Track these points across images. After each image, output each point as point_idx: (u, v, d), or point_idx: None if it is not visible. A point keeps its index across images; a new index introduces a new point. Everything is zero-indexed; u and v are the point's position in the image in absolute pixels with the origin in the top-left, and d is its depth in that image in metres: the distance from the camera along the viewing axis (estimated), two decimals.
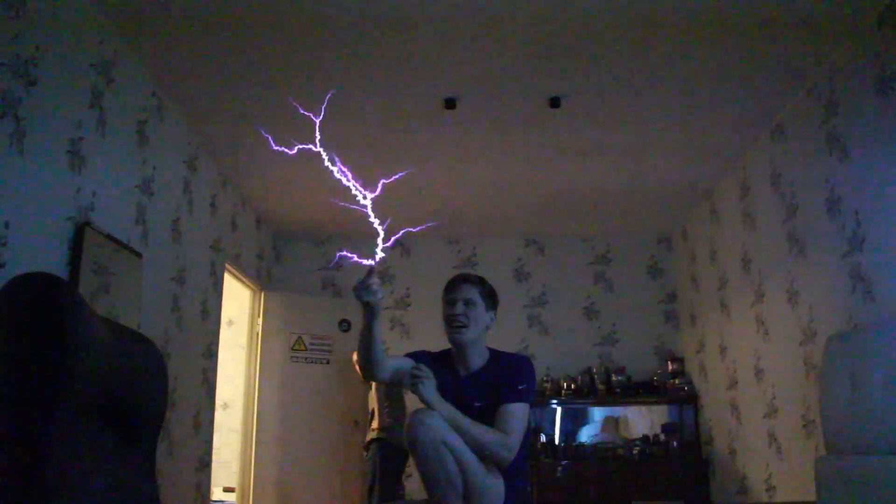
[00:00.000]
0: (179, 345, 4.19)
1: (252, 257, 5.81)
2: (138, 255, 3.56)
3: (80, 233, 2.97)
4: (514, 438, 2.30)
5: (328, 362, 5.96)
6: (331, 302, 6.24)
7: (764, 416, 4.54)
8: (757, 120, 4.27)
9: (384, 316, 6.16)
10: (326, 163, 2.18)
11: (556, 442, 5.96)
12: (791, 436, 4.17)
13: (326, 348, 5.99)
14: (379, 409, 4.79)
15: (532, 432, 5.51)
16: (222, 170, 4.96)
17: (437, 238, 6.55)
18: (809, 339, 3.92)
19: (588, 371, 6.15)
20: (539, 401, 5.87)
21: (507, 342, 5.88)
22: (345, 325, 6.05)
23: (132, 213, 3.58)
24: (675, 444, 5.77)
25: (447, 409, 2.27)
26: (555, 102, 3.98)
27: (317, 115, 2.28)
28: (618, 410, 6.24)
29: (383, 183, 2.27)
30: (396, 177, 2.31)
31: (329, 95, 2.45)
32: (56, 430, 1.79)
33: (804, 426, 3.97)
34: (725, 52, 3.54)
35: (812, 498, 3.25)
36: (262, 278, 6.02)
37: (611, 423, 6.21)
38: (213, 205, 4.81)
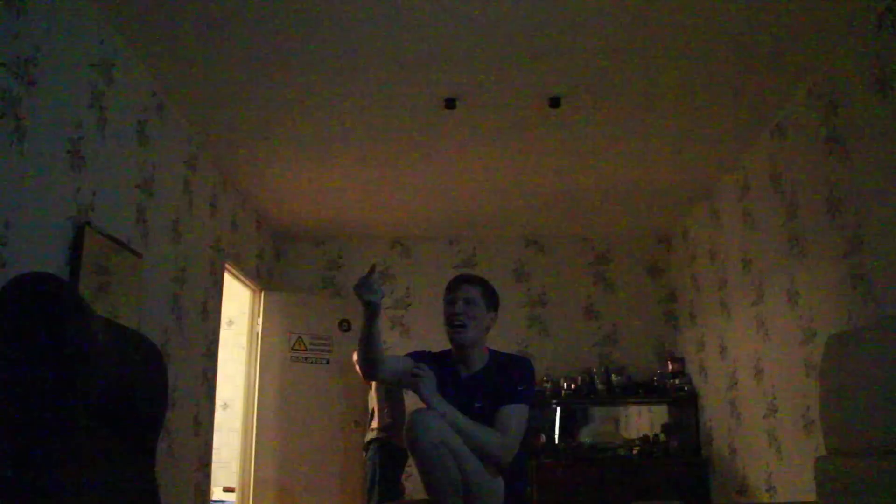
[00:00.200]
0: (179, 345, 4.19)
1: (252, 257, 5.81)
2: (138, 255, 3.56)
3: (80, 233, 2.98)
4: (513, 439, 2.30)
5: (328, 362, 5.96)
6: (331, 302, 6.24)
7: (764, 416, 4.54)
8: (757, 120, 4.27)
9: (384, 316, 6.17)
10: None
11: (556, 442, 5.96)
12: (791, 436, 4.17)
13: (326, 348, 5.99)
14: (379, 409, 4.79)
15: (532, 432, 5.51)
16: (222, 170, 4.96)
17: (437, 238, 6.55)
18: (809, 339, 3.92)
19: (588, 371, 6.14)
20: (539, 401, 5.86)
21: (507, 342, 5.88)
22: (345, 325, 6.05)
23: (132, 213, 3.58)
24: (675, 444, 5.77)
25: (447, 409, 2.27)
26: (555, 102, 3.98)
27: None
28: (618, 410, 6.24)
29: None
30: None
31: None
32: (56, 430, 1.79)
33: (804, 426, 3.97)
34: (725, 52, 3.54)
35: (812, 498, 3.25)
36: (262, 278, 6.02)
37: (611, 423, 6.21)
38: (213, 205, 4.81)
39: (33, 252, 2.69)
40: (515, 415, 2.33)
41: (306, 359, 5.93)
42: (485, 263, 6.44)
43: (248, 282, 5.73)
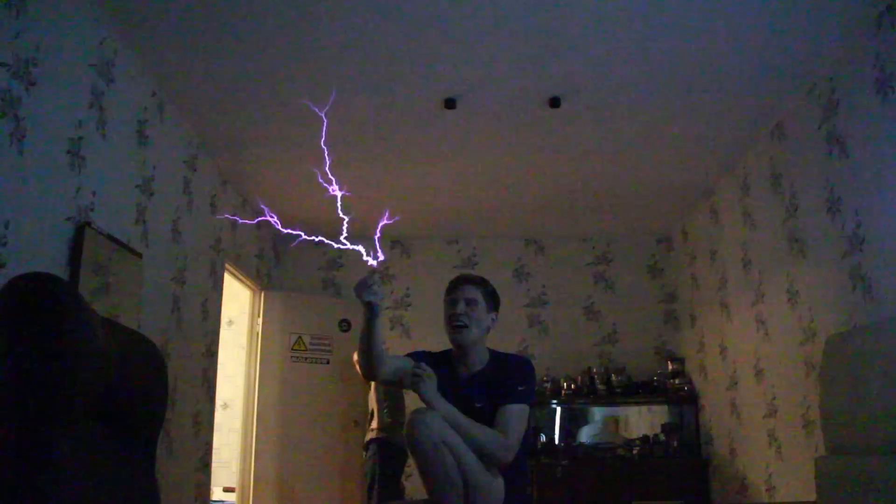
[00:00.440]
0: (179, 345, 4.19)
1: (252, 257, 5.81)
2: (138, 255, 3.56)
3: (80, 233, 2.97)
4: (514, 439, 2.30)
5: (328, 362, 5.96)
6: (331, 302, 6.24)
7: (764, 416, 4.54)
8: (757, 120, 4.27)
9: (384, 316, 6.16)
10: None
11: (556, 442, 5.96)
12: (791, 436, 4.17)
13: (326, 348, 5.99)
14: (379, 409, 4.79)
15: (532, 432, 5.52)
16: (222, 170, 4.96)
17: (437, 238, 6.55)
18: (809, 339, 3.92)
19: (588, 371, 6.15)
20: (539, 401, 5.87)
21: (507, 342, 5.88)
22: (345, 325, 6.05)
23: (132, 213, 3.58)
24: (675, 444, 5.77)
25: (447, 408, 2.27)
26: (555, 102, 3.98)
27: (321, 117, 2.28)
28: (618, 410, 6.23)
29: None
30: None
31: (332, 98, 2.42)
32: (56, 431, 1.78)
33: (804, 426, 3.97)
34: (725, 52, 3.54)
35: (812, 498, 3.25)
36: (262, 278, 6.02)
37: (611, 423, 6.21)
38: (212, 205, 4.81)
39: (33, 252, 2.69)
40: (516, 414, 2.33)
41: (306, 359, 5.93)
42: (485, 263, 6.44)
43: (248, 282, 5.73)
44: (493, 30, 3.36)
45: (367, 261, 2.26)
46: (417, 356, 2.49)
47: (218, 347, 4.97)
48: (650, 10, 3.21)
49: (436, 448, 2.18)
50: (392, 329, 6.33)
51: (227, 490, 6.26)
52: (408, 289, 6.47)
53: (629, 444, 5.88)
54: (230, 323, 6.46)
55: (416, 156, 4.80)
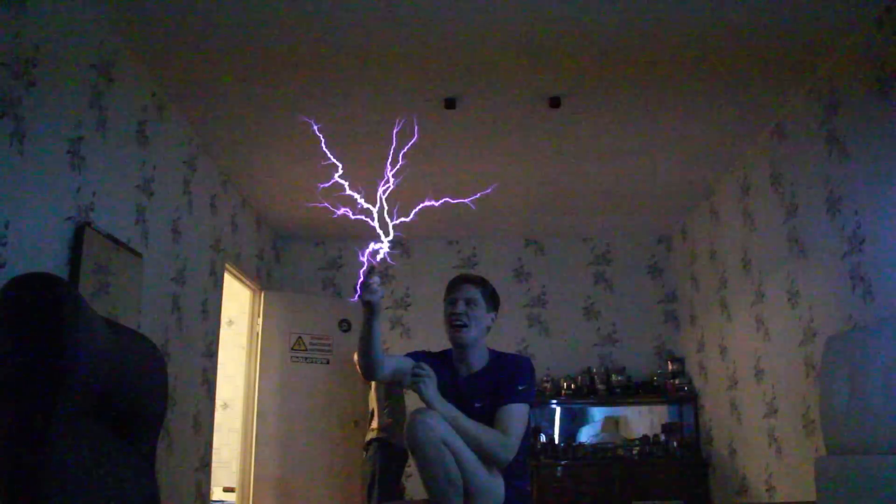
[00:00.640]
0: (179, 345, 4.19)
1: (252, 257, 5.81)
2: (138, 255, 3.56)
3: (80, 233, 2.97)
4: (514, 439, 2.30)
5: (328, 362, 5.96)
6: (331, 302, 6.24)
7: (764, 416, 4.54)
8: (757, 120, 4.27)
9: (384, 316, 6.16)
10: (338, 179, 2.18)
11: (556, 442, 5.96)
12: (791, 436, 4.17)
13: (326, 348, 5.98)
14: (379, 409, 4.79)
15: (532, 432, 5.52)
16: (222, 170, 4.96)
17: (437, 238, 6.55)
18: (809, 339, 3.92)
19: (588, 371, 6.15)
20: (539, 401, 5.87)
21: (507, 342, 5.89)
22: (345, 325, 6.05)
23: (132, 213, 3.58)
24: (675, 444, 5.77)
25: (447, 408, 2.27)
26: (555, 102, 3.98)
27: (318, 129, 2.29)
28: (618, 410, 6.24)
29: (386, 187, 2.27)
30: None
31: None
32: (56, 431, 1.79)
33: (804, 426, 3.97)
34: (725, 52, 3.54)
35: (812, 498, 3.25)
36: (262, 278, 6.02)
37: (611, 423, 6.21)
38: (213, 205, 4.81)
39: (33, 252, 2.69)
40: (516, 414, 2.33)
41: (306, 359, 5.93)
42: (485, 263, 6.44)
43: (248, 282, 5.73)
44: (493, 30, 3.36)
45: (377, 248, 2.27)
46: (417, 356, 2.49)
47: (218, 347, 4.97)
48: (650, 10, 3.21)
49: (436, 448, 2.17)
50: (392, 329, 6.33)
51: (227, 490, 6.26)
52: (408, 289, 6.47)
53: (629, 444, 5.88)
54: (230, 323, 6.46)
55: (416, 156, 4.79)
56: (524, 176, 5.18)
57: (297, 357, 5.91)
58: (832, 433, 3.09)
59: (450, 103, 4.00)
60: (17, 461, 1.73)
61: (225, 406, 6.41)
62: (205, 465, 4.65)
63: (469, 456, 2.22)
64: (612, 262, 6.57)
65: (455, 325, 2.43)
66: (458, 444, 2.20)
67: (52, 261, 2.81)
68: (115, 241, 3.31)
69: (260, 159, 4.85)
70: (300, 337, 5.94)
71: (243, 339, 6.04)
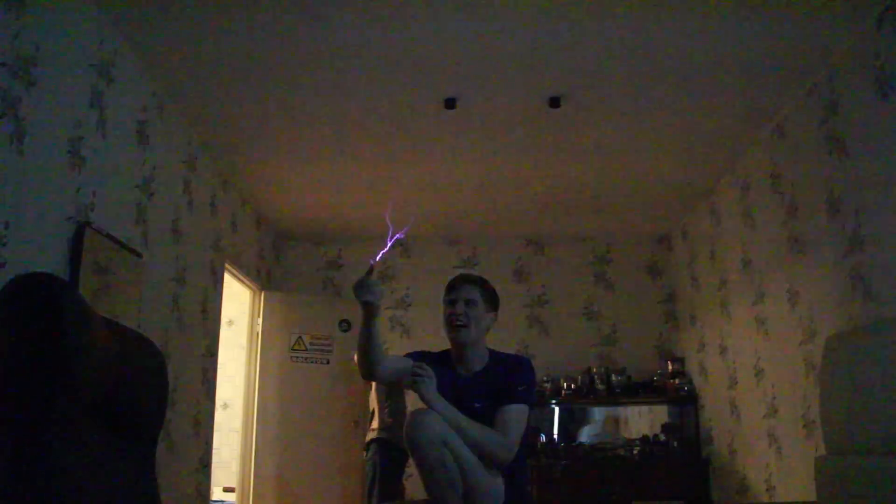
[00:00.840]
0: (179, 345, 4.19)
1: (252, 257, 5.81)
2: (138, 255, 3.56)
3: (80, 233, 2.97)
4: (513, 439, 2.30)
5: (328, 362, 5.96)
6: (331, 302, 6.24)
7: (764, 416, 4.54)
8: (757, 120, 4.27)
9: (384, 316, 6.17)
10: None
11: (556, 442, 5.96)
12: (791, 436, 4.17)
13: (326, 348, 5.98)
14: (379, 409, 4.79)
15: (532, 432, 5.51)
16: (222, 170, 4.96)
17: (437, 238, 6.55)
18: (809, 339, 3.92)
19: (588, 371, 6.14)
20: (539, 401, 5.86)
21: (507, 342, 5.87)
22: (345, 325, 6.05)
23: (132, 213, 3.58)
24: (675, 444, 5.77)
25: (447, 408, 2.27)
26: (555, 102, 3.98)
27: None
28: (618, 410, 6.24)
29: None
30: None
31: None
32: (56, 431, 1.78)
33: (804, 426, 3.97)
34: (725, 52, 3.54)
35: (812, 498, 3.25)
36: (262, 278, 6.02)
37: (611, 423, 6.22)
38: (213, 205, 4.81)
39: (33, 252, 2.69)
40: (515, 415, 2.33)
41: (306, 359, 5.93)
42: (485, 263, 6.44)
43: (248, 282, 5.73)
44: (493, 30, 3.36)
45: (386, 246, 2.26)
46: (417, 356, 2.49)
47: (218, 347, 4.97)
48: (650, 9, 3.21)
49: (436, 448, 2.18)
50: (392, 329, 6.33)
51: (227, 490, 6.26)
52: (408, 289, 6.47)
53: (629, 444, 5.88)
54: (230, 323, 6.46)
55: (416, 156, 4.80)
56: (524, 176, 5.18)
57: (297, 357, 5.91)
58: (832, 433, 3.09)
59: (450, 103, 4.00)
60: (17, 462, 1.73)
61: (225, 406, 6.40)
62: (205, 465, 4.65)
63: (469, 456, 2.22)
64: (612, 262, 6.57)
65: (454, 325, 2.43)
66: (458, 444, 2.21)
67: (52, 261, 2.81)
68: (115, 241, 3.31)
69: (260, 159, 4.85)
70: (300, 337, 5.94)
71: (243, 339, 6.04)
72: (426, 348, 2.62)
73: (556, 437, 6.06)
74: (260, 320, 5.89)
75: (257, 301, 5.94)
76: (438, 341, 2.60)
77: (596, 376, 6.07)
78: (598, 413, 6.25)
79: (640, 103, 4.07)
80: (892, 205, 3.14)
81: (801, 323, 4.01)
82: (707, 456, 5.64)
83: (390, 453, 4.66)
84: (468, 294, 2.46)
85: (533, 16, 3.25)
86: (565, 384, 6.05)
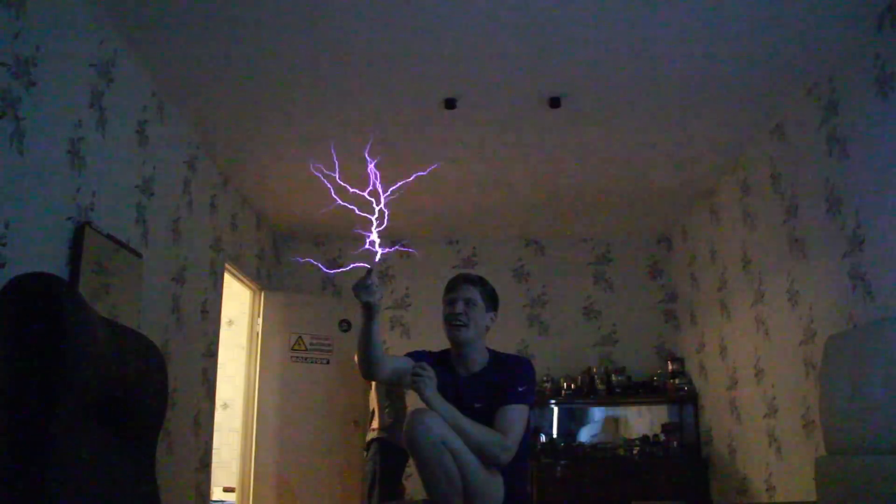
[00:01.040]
0: (179, 345, 4.19)
1: (252, 257, 5.81)
2: (138, 255, 3.56)
3: (80, 233, 2.97)
4: (513, 440, 2.30)
5: (328, 362, 5.96)
6: (331, 302, 6.24)
7: (764, 416, 4.54)
8: (757, 120, 4.27)
9: (384, 316, 6.17)
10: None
11: (556, 442, 5.96)
12: (791, 436, 4.17)
13: (326, 348, 5.99)
14: (379, 409, 4.79)
15: (532, 432, 5.52)
16: (222, 170, 4.96)
17: (437, 238, 6.55)
18: (809, 339, 3.92)
19: (588, 371, 6.14)
20: (539, 401, 5.86)
21: (507, 342, 5.88)
22: (345, 325, 6.05)
23: (132, 213, 3.59)
24: (675, 444, 5.77)
25: (447, 408, 2.27)
26: (555, 102, 3.98)
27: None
28: (618, 410, 6.23)
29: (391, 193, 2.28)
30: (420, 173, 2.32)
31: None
32: (56, 431, 1.79)
33: (804, 426, 3.97)
34: (726, 53, 3.54)
35: (812, 498, 3.25)
36: (262, 278, 6.02)
37: (611, 423, 6.22)
38: (213, 205, 4.81)
39: (33, 252, 2.69)
40: (515, 415, 2.33)
41: (306, 359, 5.93)
42: (485, 263, 6.44)
43: (248, 282, 5.73)
44: (493, 30, 3.36)
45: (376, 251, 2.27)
46: (417, 356, 2.49)
47: (218, 347, 4.97)
48: (650, 9, 3.21)
49: (435, 448, 2.18)
50: (392, 329, 6.33)
51: (227, 490, 6.26)
52: (408, 289, 6.47)
53: (629, 444, 5.88)
54: (230, 323, 6.46)
55: (416, 156, 4.80)
56: (524, 176, 5.18)
57: (297, 357, 5.91)
58: (832, 433, 3.09)
59: (450, 103, 4.00)
60: (17, 462, 1.73)
61: (225, 406, 6.41)
62: (205, 465, 4.65)
63: (468, 456, 2.22)
64: (612, 262, 6.57)
65: (454, 324, 2.43)
66: (458, 444, 2.21)
67: (52, 261, 2.81)
68: (115, 241, 3.31)
69: (260, 159, 4.85)
70: (300, 337, 5.94)
71: (243, 339, 6.04)
72: (426, 348, 2.62)
73: (556, 437, 6.06)
74: (260, 320, 5.89)
75: (257, 301, 5.94)
76: (438, 341, 2.60)
77: (596, 376, 6.07)
78: (598, 413, 6.25)
79: (641, 103, 4.07)
80: (892, 205, 3.14)
81: (801, 323, 4.02)
82: (707, 456, 5.64)
83: (390, 453, 4.66)
84: (467, 294, 2.46)
85: (533, 16, 3.25)
86: (565, 384, 6.05)
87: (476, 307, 2.45)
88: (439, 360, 2.47)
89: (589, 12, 3.23)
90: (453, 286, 2.51)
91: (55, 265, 2.82)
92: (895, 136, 3.11)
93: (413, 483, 4.98)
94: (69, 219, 2.95)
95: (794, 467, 4.10)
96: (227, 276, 5.16)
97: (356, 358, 2.41)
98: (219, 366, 5.00)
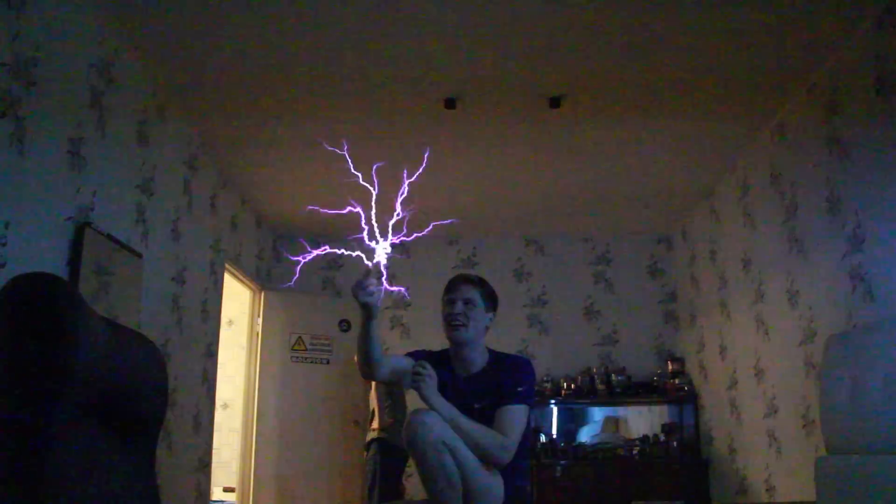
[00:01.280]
0: (179, 345, 4.19)
1: (252, 257, 5.81)
2: (138, 255, 3.56)
3: (80, 233, 2.97)
4: (512, 440, 2.30)
5: (328, 362, 5.96)
6: (331, 302, 6.24)
7: (764, 416, 4.54)
8: (757, 120, 4.27)
9: (384, 316, 6.17)
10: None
11: (556, 442, 5.96)
12: (791, 436, 4.17)
13: (326, 348, 5.99)
14: (379, 409, 4.79)
15: (532, 432, 5.52)
16: (222, 170, 4.96)
17: (437, 238, 6.55)
18: (809, 339, 3.92)
19: (588, 371, 6.14)
20: (539, 401, 5.86)
21: (507, 342, 5.87)
22: (345, 325, 6.05)
23: (132, 213, 3.59)
24: (675, 444, 5.77)
25: (447, 408, 2.27)
26: (555, 102, 3.98)
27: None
28: (618, 410, 6.23)
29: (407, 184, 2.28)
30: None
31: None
32: (55, 430, 1.79)
33: (804, 426, 3.97)
34: (725, 52, 3.54)
35: (812, 498, 3.25)
36: (262, 278, 6.02)
37: (611, 423, 6.21)
38: (213, 205, 4.81)
39: (33, 252, 2.69)
40: (515, 415, 2.33)
41: (306, 359, 5.93)
42: (485, 263, 6.43)
43: (248, 282, 5.73)
44: (493, 30, 3.36)
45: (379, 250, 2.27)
46: (417, 355, 2.49)
47: (218, 347, 4.97)
48: (650, 10, 3.21)
49: (435, 448, 2.18)
50: (392, 329, 6.33)
51: (227, 490, 6.26)
52: (408, 289, 6.44)
53: (629, 444, 5.88)
54: (230, 323, 6.46)
55: (416, 156, 4.79)
56: (524, 176, 5.18)
57: (297, 357, 5.91)
58: (832, 433, 3.09)
59: (450, 103, 4.00)
60: (17, 462, 1.73)
61: (225, 406, 6.40)
62: (205, 465, 4.65)
63: (468, 456, 2.22)
64: (612, 262, 6.57)
65: (453, 324, 2.43)
66: (458, 444, 2.21)
67: (52, 261, 2.81)
68: (115, 241, 3.31)
69: (260, 159, 4.85)
70: (300, 337, 5.94)
71: (243, 339, 6.04)
72: (426, 348, 2.62)
73: (556, 437, 6.06)
74: (260, 320, 5.89)
75: (257, 301, 5.94)
76: (438, 341, 2.60)
77: (596, 376, 6.07)
78: (598, 413, 6.25)
79: (640, 103, 4.07)
80: (892, 205, 3.14)
81: (801, 323, 4.01)
82: (707, 456, 5.64)
83: (390, 453, 4.66)
84: (467, 294, 2.46)
85: (533, 16, 3.25)
86: (565, 384, 6.05)
87: (475, 307, 2.45)
88: (439, 361, 2.47)
89: (589, 12, 3.22)
90: (452, 286, 2.51)
91: (55, 265, 2.82)
92: (895, 136, 3.11)
93: (413, 483, 4.98)
94: (69, 219, 2.95)
95: (794, 467, 4.10)
96: (227, 276, 5.16)
97: (356, 358, 2.41)
98: (219, 366, 5.00)
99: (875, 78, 3.21)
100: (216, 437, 4.93)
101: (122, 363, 2.13)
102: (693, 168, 5.01)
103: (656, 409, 6.14)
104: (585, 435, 6.12)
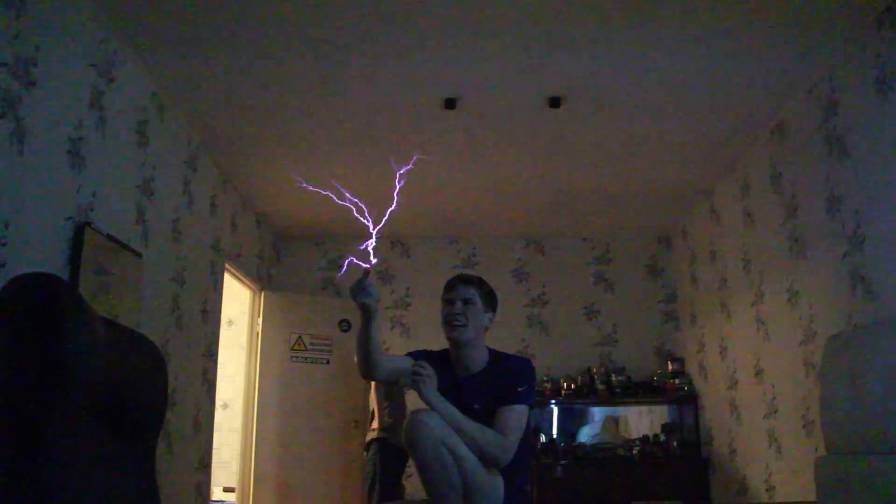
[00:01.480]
0: (179, 345, 4.19)
1: (252, 257, 5.81)
2: (138, 255, 3.56)
3: (80, 233, 2.97)
4: (512, 440, 2.30)
5: (328, 362, 5.96)
6: (331, 302, 6.24)
7: (764, 416, 4.54)
8: (757, 120, 4.27)
9: (384, 316, 6.17)
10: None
11: (556, 442, 5.96)
12: (791, 436, 4.17)
13: (326, 348, 5.99)
14: (379, 409, 4.79)
15: (532, 432, 5.52)
16: (222, 170, 4.96)
17: (437, 238, 6.55)
18: (809, 339, 3.92)
19: (588, 371, 6.15)
20: (539, 401, 5.87)
21: (507, 342, 5.88)
22: (345, 325, 6.06)
23: (132, 213, 3.58)
24: (675, 444, 5.77)
25: (447, 408, 2.27)
26: (555, 102, 3.98)
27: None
28: (618, 410, 6.23)
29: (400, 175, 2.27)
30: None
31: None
32: (55, 430, 1.79)
33: (804, 426, 3.97)
34: (725, 52, 3.54)
35: (812, 498, 3.25)
36: (262, 278, 6.02)
37: (611, 423, 6.21)
38: (213, 205, 4.81)
39: (33, 252, 2.69)
40: (515, 415, 2.33)
41: (306, 359, 5.93)
42: (485, 263, 6.44)
43: (248, 282, 5.73)
44: (493, 30, 3.36)
45: (368, 251, 2.28)
46: (417, 355, 2.49)
47: (218, 347, 4.97)
48: (650, 10, 3.21)
49: (435, 448, 2.18)
50: (392, 329, 6.33)
51: (227, 490, 6.26)
52: (408, 289, 6.47)
53: (629, 444, 5.88)
54: (230, 323, 6.46)
55: (416, 156, 4.79)
56: (524, 176, 5.18)
57: (297, 357, 5.91)
58: (832, 433, 3.09)
59: (450, 103, 4.00)
60: (17, 461, 1.73)
61: (225, 406, 6.41)
62: (205, 465, 4.65)
63: (468, 456, 2.22)
64: (612, 262, 6.57)
65: (452, 324, 2.43)
66: (458, 444, 2.21)
67: (52, 261, 2.81)
68: (115, 241, 3.31)
69: (260, 159, 4.85)
70: (300, 337, 5.94)
71: (243, 339, 6.04)
72: (426, 348, 2.62)
73: (556, 437, 6.06)
74: (260, 320, 5.89)
75: (257, 301, 5.94)
76: (438, 341, 2.60)
77: (596, 376, 6.07)
78: (598, 413, 6.25)
79: (640, 103, 4.07)
80: (892, 205, 3.14)
81: (801, 323, 4.02)
82: (707, 456, 5.64)
83: (390, 453, 4.66)
84: (466, 293, 2.46)
85: (533, 16, 3.25)
86: (565, 384, 6.05)
87: (474, 307, 2.45)
88: (439, 361, 2.47)
89: (589, 12, 3.22)
90: (451, 286, 2.51)
91: (55, 265, 2.82)
92: (895, 136, 3.11)
93: (413, 483, 4.98)
94: (69, 219, 2.95)
95: (794, 467, 4.10)
96: (227, 276, 5.16)
97: (356, 358, 2.41)
98: (219, 366, 5.00)
99: (875, 78, 3.22)
100: (216, 437, 4.93)
101: (122, 363, 2.13)
102: (693, 168, 5.01)
103: (656, 409, 6.14)
104: (585, 435, 6.12)
